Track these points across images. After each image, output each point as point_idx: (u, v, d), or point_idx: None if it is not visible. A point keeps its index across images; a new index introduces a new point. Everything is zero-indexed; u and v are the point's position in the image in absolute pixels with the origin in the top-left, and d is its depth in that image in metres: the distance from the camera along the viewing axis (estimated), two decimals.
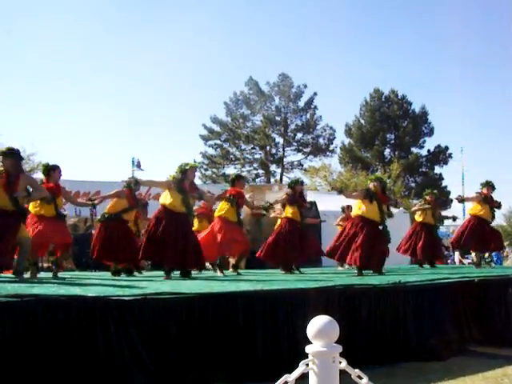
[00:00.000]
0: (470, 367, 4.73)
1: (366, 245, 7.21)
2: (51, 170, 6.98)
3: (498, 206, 9.34)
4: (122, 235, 7.72)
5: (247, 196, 9.45)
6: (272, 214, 10.04)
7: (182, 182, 6.86)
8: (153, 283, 5.58)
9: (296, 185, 8.76)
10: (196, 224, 9.53)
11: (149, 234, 6.85)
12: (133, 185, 7.70)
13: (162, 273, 7.03)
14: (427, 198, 10.11)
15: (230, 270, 8.39)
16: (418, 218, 10.09)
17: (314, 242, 8.94)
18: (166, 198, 6.87)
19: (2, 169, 5.69)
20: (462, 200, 9.82)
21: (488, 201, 9.19)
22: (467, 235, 9.25)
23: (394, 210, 11.58)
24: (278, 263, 8.81)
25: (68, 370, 3.43)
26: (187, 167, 6.97)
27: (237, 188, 8.19)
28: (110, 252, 7.73)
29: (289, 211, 8.56)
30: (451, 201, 33.81)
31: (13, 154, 5.76)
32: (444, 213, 11.65)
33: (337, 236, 8.01)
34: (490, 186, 9.30)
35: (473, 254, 9.75)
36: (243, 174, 37.18)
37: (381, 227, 7.50)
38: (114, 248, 7.66)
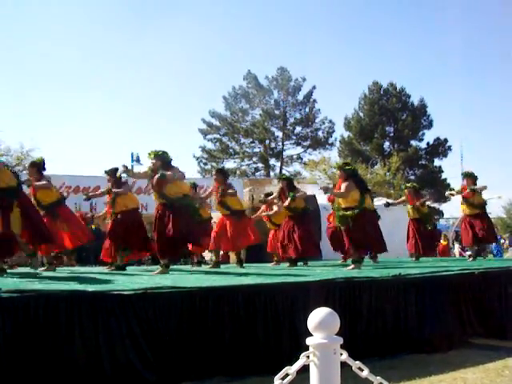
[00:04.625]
0: (470, 359, 4.72)
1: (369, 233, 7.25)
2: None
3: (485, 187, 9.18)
4: (130, 226, 7.50)
5: (247, 189, 9.48)
6: (275, 209, 9.73)
7: (166, 168, 6.43)
8: (153, 278, 5.57)
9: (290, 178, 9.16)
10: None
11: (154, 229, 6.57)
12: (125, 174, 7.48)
13: None
14: (406, 192, 10.22)
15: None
16: (409, 215, 10.18)
17: (312, 238, 8.62)
18: None
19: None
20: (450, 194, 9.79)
21: (473, 192, 9.10)
22: (465, 232, 9.23)
23: (394, 202, 11.55)
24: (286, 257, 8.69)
25: (69, 365, 3.43)
26: (160, 153, 6.52)
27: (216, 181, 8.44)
28: (117, 245, 7.61)
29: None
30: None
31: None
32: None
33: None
34: (469, 177, 9.20)
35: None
36: (243, 167, 37.39)
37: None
38: (121, 241, 7.52)
